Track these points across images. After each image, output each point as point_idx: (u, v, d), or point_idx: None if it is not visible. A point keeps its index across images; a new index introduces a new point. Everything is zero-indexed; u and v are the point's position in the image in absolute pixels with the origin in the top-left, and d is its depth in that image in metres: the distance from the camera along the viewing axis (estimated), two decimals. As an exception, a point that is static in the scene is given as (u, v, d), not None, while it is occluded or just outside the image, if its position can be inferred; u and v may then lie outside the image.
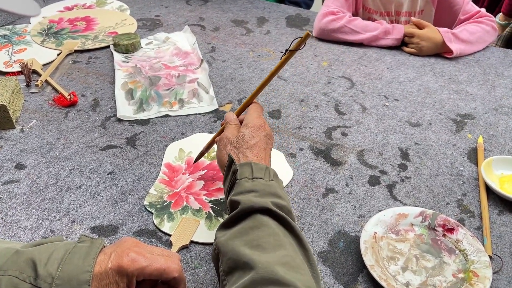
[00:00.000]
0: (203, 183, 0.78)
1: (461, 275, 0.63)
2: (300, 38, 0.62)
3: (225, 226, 0.55)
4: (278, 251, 0.49)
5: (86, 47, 1.20)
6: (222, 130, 0.70)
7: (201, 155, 0.78)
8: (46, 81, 1.05)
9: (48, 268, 0.48)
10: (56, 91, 1.01)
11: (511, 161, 0.82)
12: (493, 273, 0.63)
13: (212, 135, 0.90)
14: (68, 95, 0.98)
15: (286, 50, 0.64)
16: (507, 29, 1.68)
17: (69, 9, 1.44)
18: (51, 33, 1.27)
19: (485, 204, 0.75)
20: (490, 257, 0.66)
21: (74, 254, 0.51)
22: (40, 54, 1.16)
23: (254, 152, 0.63)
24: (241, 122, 0.70)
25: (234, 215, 0.54)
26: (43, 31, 1.28)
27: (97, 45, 1.21)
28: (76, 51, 1.19)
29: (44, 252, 0.50)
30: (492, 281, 0.61)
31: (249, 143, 0.63)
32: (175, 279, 0.54)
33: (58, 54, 1.16)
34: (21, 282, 0.47)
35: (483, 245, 0.67)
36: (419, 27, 1.23)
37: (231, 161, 0.61)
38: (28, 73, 1.05)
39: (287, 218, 0.54)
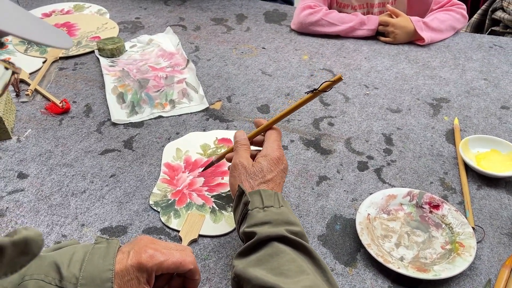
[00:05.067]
0: (204, 179, 0.82)
1: (448, 247, 0.69)
2: (329, 82, 0.59)
3: (242, 254, 0.57)
4: (301, 277, 0.51)
5: (70, 54, 1.21)
6: (232, 149, 0.71)
7: (211, 164, 0.77)
8: (36, 89, 1.06)
9: (71, 269, 0.51)
10: (47, 99, 1.03)
11: (485, 139, 0.89)
12: (477, 243, 0.70)
13: (206, 134, 0.94)
14: (60, 103, 1.00)
15: (314, 89, 0.62)
16: (475, 16, 1.76)
17: (47, 15, 1.44)
18: (33, 41, 1.27)
19: (465, 180, 0.82)
20: (473, 228, 0.72)
21: (93, 255, 0.54)
22: (25, 63, 1.16)
23: (270, 187, 0.63)
24: (256, 143, 0.72)
25: (251, 244, 0.56)
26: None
27: (81, 51, 1.22)
28: (61, 58, 1.20)
29: (65, 255, 0.53)
30: (476, 250, 0.68)
31: (266, 176, 0.63)
32: (190, 271, 0.58)
33: (44, 62, 1.17)
34: (47, 284, 0.50)
35: (466, 218, 0.73)
36: (392, 16, 1.30)
37: (242, 192, 0.61)
38: (16, 82, 1.06)
39: (302, 242, 0.56)
